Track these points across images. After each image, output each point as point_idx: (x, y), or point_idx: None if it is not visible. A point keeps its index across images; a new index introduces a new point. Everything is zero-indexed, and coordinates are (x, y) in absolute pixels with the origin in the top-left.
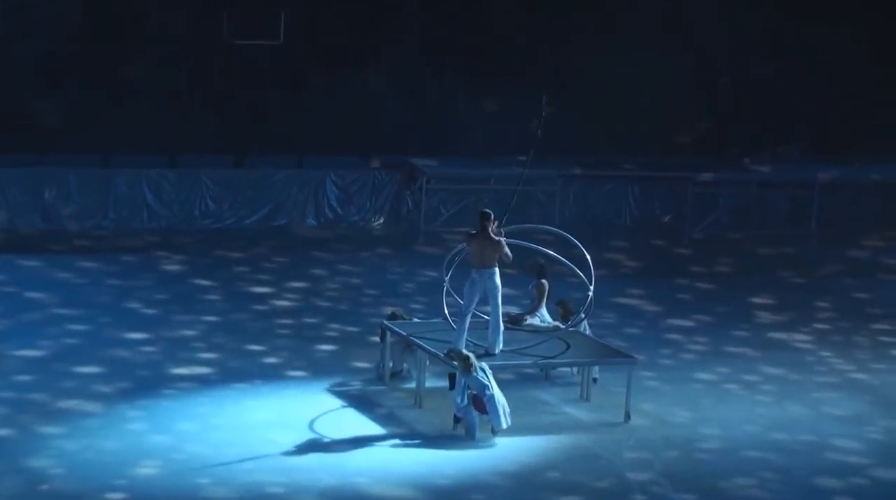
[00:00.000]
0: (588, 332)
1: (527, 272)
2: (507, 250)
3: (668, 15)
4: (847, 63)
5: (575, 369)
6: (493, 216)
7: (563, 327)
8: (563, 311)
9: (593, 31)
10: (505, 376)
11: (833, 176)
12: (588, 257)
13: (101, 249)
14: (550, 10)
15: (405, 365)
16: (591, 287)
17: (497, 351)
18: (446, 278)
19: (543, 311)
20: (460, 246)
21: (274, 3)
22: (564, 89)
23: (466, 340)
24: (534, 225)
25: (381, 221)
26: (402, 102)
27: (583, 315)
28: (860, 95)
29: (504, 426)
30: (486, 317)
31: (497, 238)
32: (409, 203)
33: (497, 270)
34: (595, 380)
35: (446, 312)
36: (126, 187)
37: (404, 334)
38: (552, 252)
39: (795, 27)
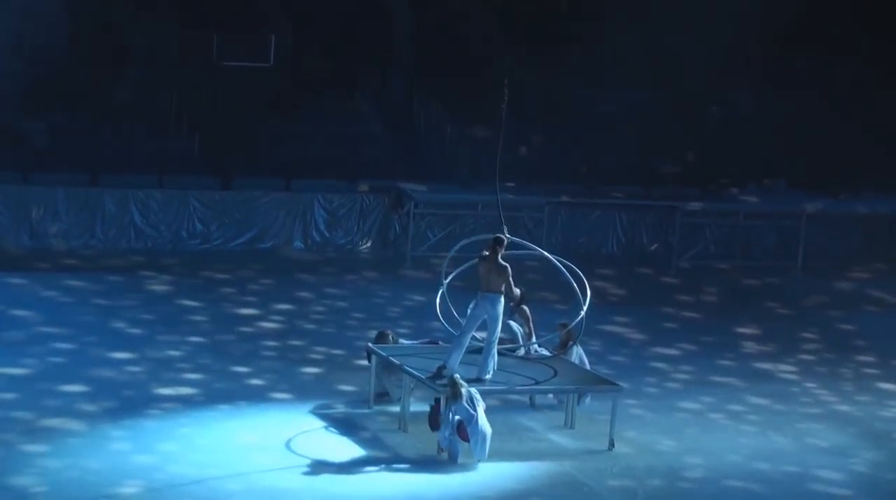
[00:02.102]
0: (585, 360)
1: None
2: (513, 285)
3: (654, 48)
4: (833, 97)
5: (551, 396)
6: (505, 242)
7: (551, 354)
8: (567, 337)
9: (580, 61)
10: (490, 402)
11: (819, 208)
12: (586, 282)
13: (88, 268)
14: (537, 40)
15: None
16: (585, 306)
17: (486, 377)
18: (445, 283)
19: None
20: (461, 242)
21: (264, 26)
22: (552, 118)
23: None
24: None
25: (369, 244)
26: (390, 126)
27: (575, 343)
28: (846, 129)
29: (483, 457)
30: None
31: (505, 264)
32: (397, 228)
33: (500, 297)
34: (581, 400)
35: (439, 310)
36: (113, 207)
37: (384, 355)
38: (554, 259)
39: (781, 60)
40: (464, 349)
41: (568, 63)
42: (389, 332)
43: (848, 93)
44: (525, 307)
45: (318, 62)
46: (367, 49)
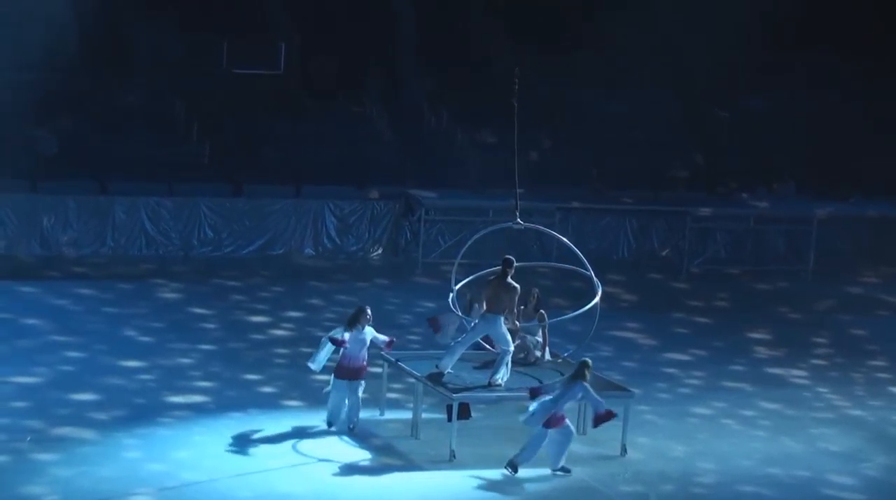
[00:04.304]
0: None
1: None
2: (515, 308)
3: (663, 51)
4: (841, 100)
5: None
6: (514, 264)
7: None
8: (535, 301)
9: (588, 65)
10: (503, 406)
11: (830, 211)
12: (596, 279)
13: (99, 276)
14: (546, 44)
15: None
16: (599, 292)
17: (498, 383)
18: (455, 288)
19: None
20: (468, 244)
21: (273, 33)
22: (560, 123)
23: (455, 369)
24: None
25: (380, 251)
26: (400, 133)
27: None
28: (856, 131)
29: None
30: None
31: (515, 285)
32: (408, 234)
33: (500, 317)
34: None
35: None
36: (124, 215)
37: (394, 360)
38: (568, 242)
39: (790, 63)
40: (456, 357)
41: (576, 67)
42: (367, 308)
43: (857, 96)
44: (543, 312)
45: (327, 69)
46: (376, 56)
